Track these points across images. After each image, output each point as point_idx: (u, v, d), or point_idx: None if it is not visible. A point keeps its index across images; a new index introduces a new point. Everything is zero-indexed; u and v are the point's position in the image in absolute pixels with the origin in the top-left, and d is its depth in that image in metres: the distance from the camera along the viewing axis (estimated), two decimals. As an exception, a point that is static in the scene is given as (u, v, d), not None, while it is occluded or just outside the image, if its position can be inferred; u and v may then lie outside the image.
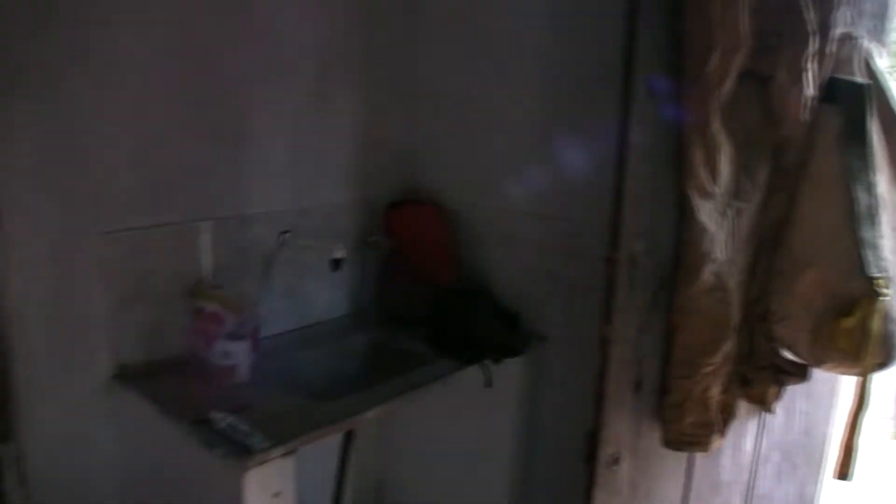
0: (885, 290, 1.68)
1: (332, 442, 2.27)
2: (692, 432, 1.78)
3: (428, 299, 2.41)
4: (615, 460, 1.60)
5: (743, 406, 2.01)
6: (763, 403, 2.02)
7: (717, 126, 1.63)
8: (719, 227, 1.70)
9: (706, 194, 1.65)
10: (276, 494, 1.63)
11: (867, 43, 1.86)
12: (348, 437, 2.27)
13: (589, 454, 1.57)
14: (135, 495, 2.02)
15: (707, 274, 1.68)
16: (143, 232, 1.95)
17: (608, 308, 1.49)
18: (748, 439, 2.18)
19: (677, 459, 1.88)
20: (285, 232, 2.26)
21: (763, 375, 1.95)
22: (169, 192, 2.00)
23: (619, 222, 1.45)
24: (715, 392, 1.81)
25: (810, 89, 1.72)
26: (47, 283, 1.81)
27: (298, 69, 2.25)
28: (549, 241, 2.27)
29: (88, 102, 1.80)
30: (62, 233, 1.81)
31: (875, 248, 1.72)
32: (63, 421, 1.90)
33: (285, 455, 1.63)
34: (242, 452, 1.57)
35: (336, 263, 2.13)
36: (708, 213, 1.66)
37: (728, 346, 1.77)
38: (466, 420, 2.53)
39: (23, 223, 1.74)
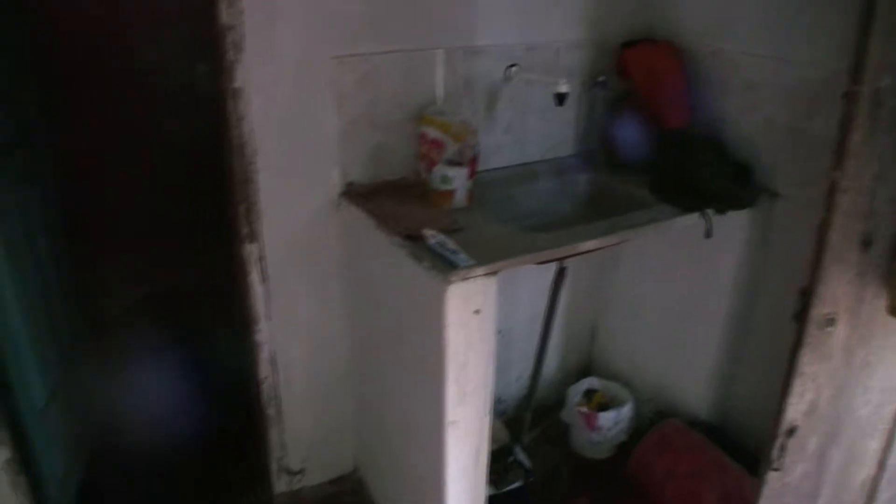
0: None
1: (546, 281, 2.32)
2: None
3: (655, 143, 2.31)
4: (829, 321, 1.47)
5: None
6: None
7: None
8: None
9: None
10: (477, 311, 1.71)
11: None
12: (559, 275, 2.30)
13: (800, 311, 1.45)
14: (355, 297, 2.23)
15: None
16: (373, 57, 2.03)
17: (841, 151, 1.31)
18: None
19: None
20: (512, 66, 2.24)
21: None
22: (399, 19, 2.04)
23: (866, 50, 1.25)
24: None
25: None
26: (286, 103, 1.96)
27: None
28: (796, 90, 2.04)
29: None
30: (300, 56, 1.94)
31: None
32: (297, 228, 2.11)
33: (488, 275, 1.69)
34: (447, 267, 1.65)
35: (560, 98, 2.09)
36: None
37: None
38: (682, 270, 2.46)
39: (264, 46, 1.87)
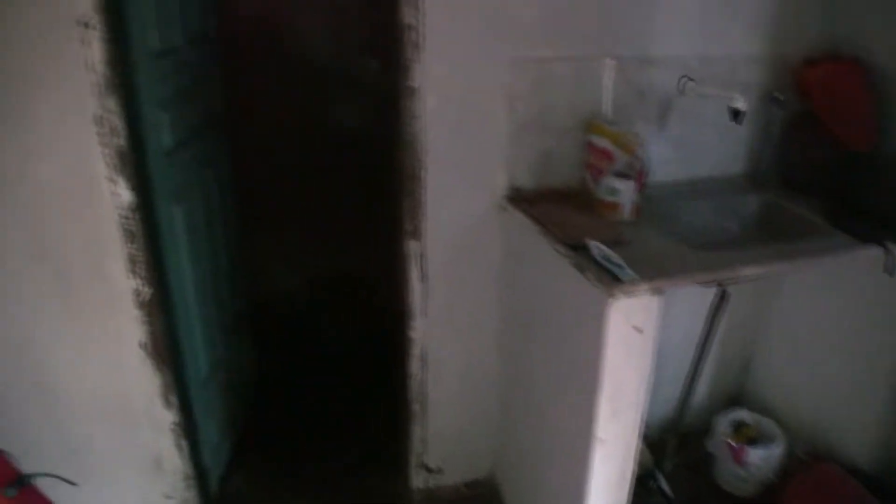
0: None
1: (704, 304, 2.23)
2: None
3: (835, 166, 2.17)
4: None
5: None
6: None
7: None
8: None
9: None
10: (639, 329, 1.66)
11: None
12: (721, 298, 2.21)
13: None
14: (511, 302, 2.23)
15: None
16: (548, 62, 2.02)
17: None
18: None
19: None
20: (686, 78, 2.17)
21: None
22: (575, 25, 2.03)
23: None
24: None
25: None
26: (459, 103, 1.99)
27: None
28: None
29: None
30: (476, 57, 1.96)
31: None
32: (460, 228, 2.13)
33: (653, 292, 1.64)
34: (611, 280, 1.61)
35: (736, 114, 2.01)
36: None
37: None
38: (854, 305, 2.29)
39: (442, 47, 1.91)
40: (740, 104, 2.00)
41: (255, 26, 3.32)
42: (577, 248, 1.77)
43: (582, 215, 2.00)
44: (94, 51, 1.70)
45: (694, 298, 2.30)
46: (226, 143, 2.66)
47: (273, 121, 3.45)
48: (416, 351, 2.23)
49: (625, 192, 1.97)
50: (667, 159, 2.25)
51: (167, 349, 2.04)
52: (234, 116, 2.74)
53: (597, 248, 1.74)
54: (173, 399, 2.06)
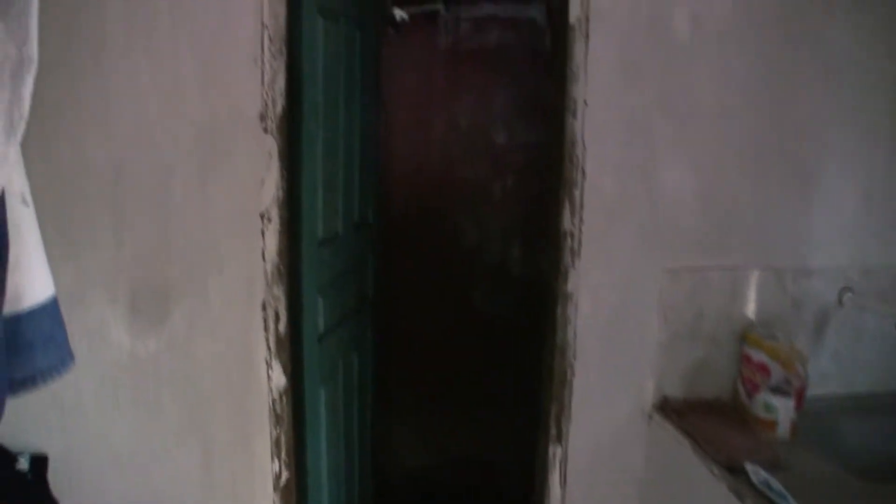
0: None
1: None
2: None
3: None
4: None
5: None
6: None
7: None
8: None
9: None
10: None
11: None
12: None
13: None
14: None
15: None
16: (703, 272, 2.01)
17: None
18: None
19: None
20: (846, 289, 2.09)
21: None
22: (730, 235, 2.02)
23: None
24: None
25: None
26: (612, 310, 1.99)
27: (869, 110, 2.05)
28: None
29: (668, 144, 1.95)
30: (631, 265, 1.98)
31: None
32: (604, 436, 2.06)
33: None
34: (778, 513, 1.49)
35: (905, 331, 1.90)
36: None
37: None
38: None
39: (598, 254, 1.95)
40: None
41: (409, 212, 3.49)
42: (734, 471, 1.66)
43: (735, 431, 1.89)
44: (270, 241, 1.82)
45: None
46: (373, 326, 2.74)
47: (419, 303, 3.54)
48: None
49: (782, 411, 1.86)
50: (823, 373, 2.13)
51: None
52: (384, 298, 2.81)
53: (756, 472, 1.63)
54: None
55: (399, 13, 3.26)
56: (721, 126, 1.98)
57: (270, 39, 1.79)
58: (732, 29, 1.95)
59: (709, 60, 1.94)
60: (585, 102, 1.90)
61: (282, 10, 1.81)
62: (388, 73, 3.19)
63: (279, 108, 1.82)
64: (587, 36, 1.87)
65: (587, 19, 1.86)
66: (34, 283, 1.19)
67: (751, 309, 2.05)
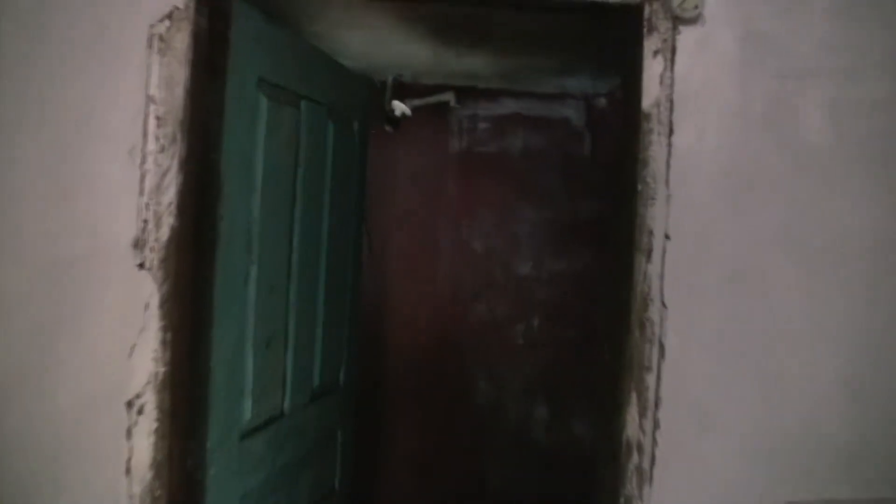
0: None
1: None
2: None
3: None
4: None
5: None
6: None
7: None
8: None
9: None
10: None
11: None
12: None
13: None
14: None
15: None
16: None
17: None
18: None
19: None
20: None
21: None
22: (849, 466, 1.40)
23: None
24: None
25: None
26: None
27: None
28: None
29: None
30: (732, 496, 1.36)
31: None
32: None
33: None
34: None
35: None
36: None
37: None
38: None
39: (682, 473, 1.33)
40: None
41: (405, 366, 2.90)
42: None
43: None
44: (141, 447, 1.26)
45: None
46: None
47: (414, 484, 2.89)
48: None
49: None
50: None
51: None
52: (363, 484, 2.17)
53: None
54: None
55: (400, 106, 2.60)
56: (877, 272, 1.38)
57: (159, 120, 1.15)
58: (892, 125, 1.29)
59: (856, 172, 1.38)
60: (667, 236, 1.26)
61: (182, 76, 1.15)
62: (381, 181, 2.69)
63: (166, 230, 1.15)
64: (671, 130, 1.20)
65: (671, 105, 1.21)
66: None
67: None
